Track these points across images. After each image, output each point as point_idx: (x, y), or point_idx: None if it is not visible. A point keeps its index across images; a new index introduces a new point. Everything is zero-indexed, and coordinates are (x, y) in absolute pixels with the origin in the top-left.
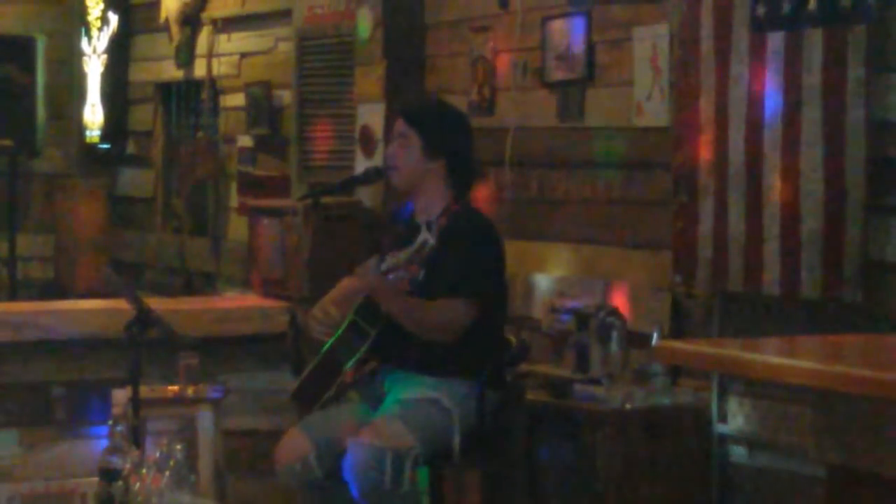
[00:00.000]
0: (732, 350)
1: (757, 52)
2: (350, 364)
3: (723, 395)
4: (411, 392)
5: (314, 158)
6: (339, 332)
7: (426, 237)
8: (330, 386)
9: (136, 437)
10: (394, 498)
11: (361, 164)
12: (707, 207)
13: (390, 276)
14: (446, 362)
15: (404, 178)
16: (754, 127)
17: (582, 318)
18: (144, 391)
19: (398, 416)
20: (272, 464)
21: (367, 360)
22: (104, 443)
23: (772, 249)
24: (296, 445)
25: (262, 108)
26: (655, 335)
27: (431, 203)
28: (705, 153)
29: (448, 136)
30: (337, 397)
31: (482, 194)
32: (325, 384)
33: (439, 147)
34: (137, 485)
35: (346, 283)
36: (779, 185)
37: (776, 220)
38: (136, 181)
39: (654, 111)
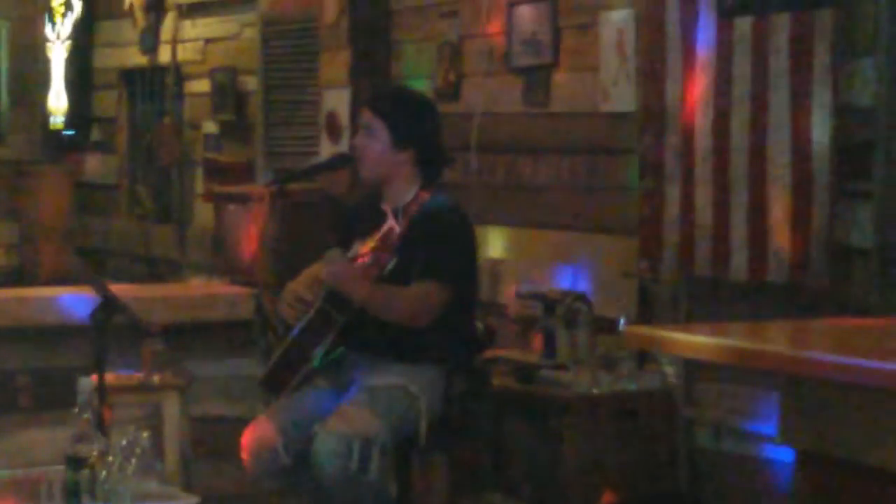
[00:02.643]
0: (699, 335)
1: (723, 37)
2: (318, 351)
3: (690, 380)
4: (378, 378)
5: (280, 144)
6: (307, 318)
7: (391, 224)
8: (297, 373)
9: (102, 425)
10: (361, 485)
11: (327, 151)
12: (673, 193)
13: (358, 263)
14: (414, 348)
15: (372, 169)
16: (721, 112)
17: (548, 304)
18: (110, 378)
19: (365, 403)
20: (239, 451)
21: (334, 346)
22: (70, 431)
23: (739, 235)
24: (263, 432)
25: (227, 94)
26: (622, 321)
27: (401, 191)
28: (672, 139)
29: (415, 125)
30: (304, 384)
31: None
32: (293, 371)
33: (407, 137)
34: (104, 473)
35: (315, 269)
36: (745, 170)
37: (743, 205)
38: (100, 168)
39: (621, 96)
